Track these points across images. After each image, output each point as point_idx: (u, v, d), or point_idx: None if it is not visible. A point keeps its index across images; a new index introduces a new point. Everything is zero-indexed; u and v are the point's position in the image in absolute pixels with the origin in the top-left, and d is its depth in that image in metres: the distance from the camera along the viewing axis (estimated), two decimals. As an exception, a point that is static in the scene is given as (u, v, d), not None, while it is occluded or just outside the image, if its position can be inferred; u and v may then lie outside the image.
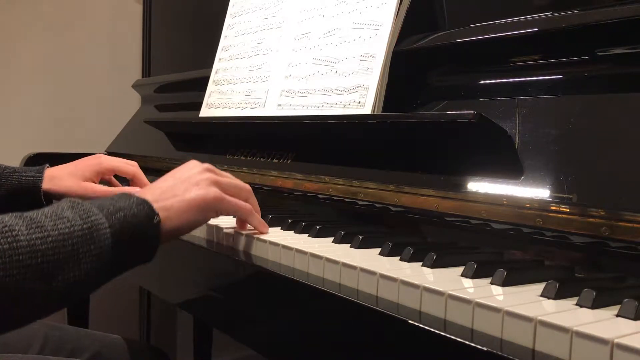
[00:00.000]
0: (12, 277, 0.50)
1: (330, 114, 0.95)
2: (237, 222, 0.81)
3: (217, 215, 0.73)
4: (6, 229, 0.52)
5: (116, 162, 1.10)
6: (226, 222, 0.87)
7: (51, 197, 1.04)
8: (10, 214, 0.55)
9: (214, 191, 0.70)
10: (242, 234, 0.78)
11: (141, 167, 1.15)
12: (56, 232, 0.54)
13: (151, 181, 1.17)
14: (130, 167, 1.10)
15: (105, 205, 0.60)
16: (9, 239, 0.51)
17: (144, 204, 0.63)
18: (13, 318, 0.54)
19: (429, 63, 0.90)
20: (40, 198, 1.01)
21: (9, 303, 0.51)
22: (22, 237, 0.52)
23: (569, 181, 0.63)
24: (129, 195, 0.63)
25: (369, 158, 0.89)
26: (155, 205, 0.64)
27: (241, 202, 0.75)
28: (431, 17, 0.94)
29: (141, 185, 1.11)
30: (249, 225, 0.80)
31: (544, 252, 0.66)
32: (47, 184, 1.01)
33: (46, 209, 0.57)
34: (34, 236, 0.53)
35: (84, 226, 0.56)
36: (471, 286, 0.54)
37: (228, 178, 0.75)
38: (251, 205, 0.77)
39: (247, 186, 0.78)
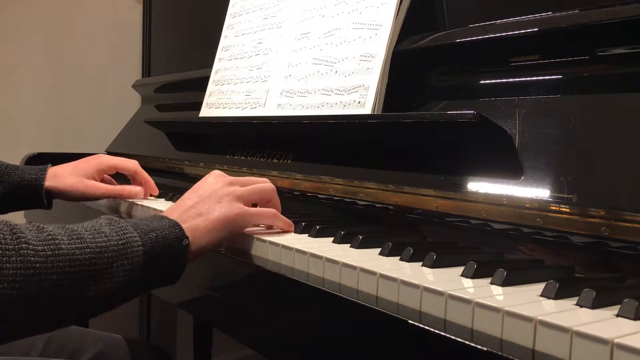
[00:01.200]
0: (51, 282, 0.54)
1: (330, 114, 0.95)
2: (266, 226, 0.81)
3: (242, 229, 0.75)
4: (50, 237, 0.55)
5: (116, 159, 1.11)
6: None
7: (53, 195, 1.05)
8: (53, 225, 0.58)
9: (237, 208, 0.72)
10: (242, 234, 0.78)
11: (141, 167, 1.15)
12: (94, 244, 0.58)
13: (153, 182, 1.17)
14: (130, 163, 1.11)
15: (140, 225, 0.63)
16: (52, 246, 0.55)
17: (176, 226, 0.66)
18: (44, 321, 0.57)
19: (429, 63, 0.90)
20: (41, 195, 1.02)
21: (41, 307, 0.54)
22: (63, 246, 0.56)
23: (569, 181, 0.63)
24: (161, 217, 0.67)
25: (369, 158, 0.89)
26: (184, 227, 0.66)
27: (263, 210, 0.76)
28: (431, 17, 0.94)
29: (142, 181, 1.12)
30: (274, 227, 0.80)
31: (544, 252, 0.66)
32: (49, 182, 1.02)
33: (85, 223, 0.61)
34: (74, 246, 0.56)
35: (119, 242, 0.60)
36: (471, 286, 0.54)
37: (249, 186, 0.76)
38: (274, 204, 0.79)
39: (270, 186, 0.78)
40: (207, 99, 1.30)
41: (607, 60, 0.69)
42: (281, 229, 0.79)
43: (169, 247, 0.64)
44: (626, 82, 0.67)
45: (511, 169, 0.69)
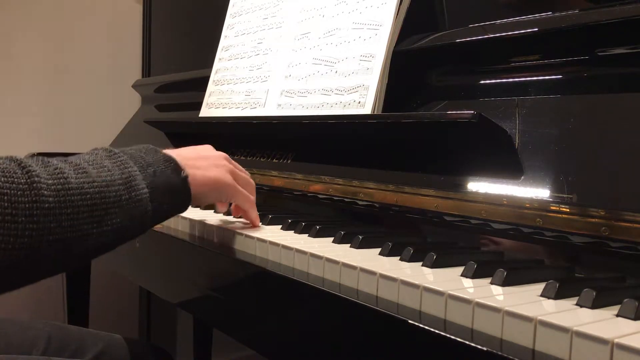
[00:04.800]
0: (67, 216, 0.54)
1: (330, 114, 0.95)
2: (236, 208, 0.86)
3: (226, 201, 0.81)
4: (57, 170, 0.55)
5: None
6: (226, 222, 0.87)
7: None
8: (54, 158, 0.58)
9: (230, 178, 0.77)
10: (242, 234, 0.79)
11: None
12: (100, 179, 0.58)
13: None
14: None
15: (137, 159, 0.65)
16: (61, 180, 0.55)
17: (171, 160, 0.68)
18: (67, 258, 0.57)
19: (429, 63, 0.90)
20: None
21: (64, 242, 0.54)
22: (72, 180, 0.56)
23: (569, 181, 0.63)
24: (155, 150, 0.68)
25: (369, 158, 0.89)
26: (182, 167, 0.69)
27: (248, 194, 0.82)
28: (431, 17, 0.94)
29: None
30: (243, 219, 0.85)
31: (544, 252, 0.66)
32: None
33: (85, 156, 0.62)
34: (81, 180, 0.56)
35: (123, 176, 0.61)
36: (471, 286, 0.54)
37: (240, 170, 0.82)
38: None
39: (253, 182, 0.84)
40: (207, 99, 1.30)
41: (607, 60, 0.69)
42: (251, 220, 0.83)
43: (169, 179, 0.66)
44: (626, 82, 0.67)
45: (511, 169, 0.69)
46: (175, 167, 0.68)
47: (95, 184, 0.57)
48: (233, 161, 0.82)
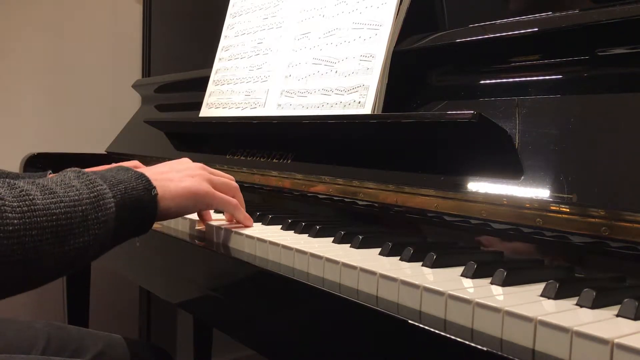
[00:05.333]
0: (31, 237, 0.54)
1: (330, 114, 0.95)
2: (226, 215, 0.87)
3: (207, 208, 0.82)
4: (23, 193, 0.55)
5: None
6: (226, 222, 0.87)
7: None
8: (20, 180, 0.58)
9: (206, 186, 0.77)
10: (242, 234, 0.79)
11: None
12: (67, 198, 0.58)
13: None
14: None
15: (107, 177, 0.65)
16: (27, 202, 0.55)
17: (142, 177, 0.68)
18: (28, 279, 0.57)
19: (429, 63, 0.90)
20: None
21: (26, 263, 0.54)
22: (38, 201, 0.56)
23: (569, 181, 0.63)
24: (127, 169, 0.68)
25: (369, 158, 0.89)
26: (153, 183, 0.68)
27: (228, 198, 0.81)
28: (431, 17, 0.94)
29: None
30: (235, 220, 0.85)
31: (544, 252, 0.66)
32: None
33: (54, 177, 0.61)
34: (48, 200, 0.56)
35: (91, 195, 0.61)
36: (471, 286, 0.54)
37: (218, 176, 0.81)
38: (238, 201, 0.83)
39: (235, 184, 0.84)
40: (207, 99, 1.30)
41: (607, 60, 0.69)
42: (240, 222, 0.83)
43: (138, 197, 0.66)
44: (626, 82, 0.67)
45: (511, 169, 0.69)
46: (146, 184, 0.67)
47: (63, 204, 0.57)
48: (211, 169, 0.82)
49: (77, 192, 0.59)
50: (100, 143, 1.82)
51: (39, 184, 0.58)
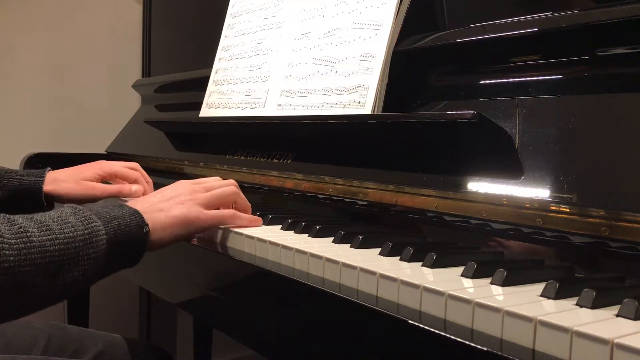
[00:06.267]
0: (24, 273, 0.56)
1: (330, 114, 0.95)
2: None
3: (202, 231, 0.81)
4: (21, 229, 0.58)
5: (117, 167, 1.11)
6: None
7: (52, 199, 1.04)
8: (19, 215, 0.61)
9: (195, 211, 0.77)
10: (242, 235, 0.78)
11: (142, 168, 1.15)
12: (62, 235, 0.60)
13: (153, 182, 1.18)
14: (131, 172, 1.11)
15: (102, 214, 0.67)
16: (24, 239, 0.57)
17: (136, 214, 0.70)
18: (18, 308, 0.60)
19: (429, 63, 0.90)
20: (41, 200, 1.02)
21: (17, 295, 0.57)
22: (34, 238, 0.58)
23: (569, 181, 0.63)
24: (121, 206, 0.70)
25: (369, 158, 0.89)
26: (145, 217, 0.70)
27: (221, 212, 0.80)
28: (431, 17, 0.94)
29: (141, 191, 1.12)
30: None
31: (544, 252, 0.66)
32: (48, 186, 1.02)
33: (52, 213, 0.64)
34: (44, 238, 0.59)
35: (85, 232, 0.63)
36: (471, 286, 0.54)
37: (210, 191, 0.81)
38: (240, 205, 0.84)
39: (231, 189, 0.83)
40: (207, 99, 1.30)
41: (607, 60, 0.69)
42: (246, 226, 0.83)
43: (130, 234, 0.68)
44: (626, 82, 0.67)
45: (511, 169, 0.69)
46: (139, 220, 0.69)
47: (58, 241, 0.59)
48: (204, 183, 0.82)
49: (72, 228, 0.62)
50: (100, 143, 1.82)
51: (36, 220, 0.61)
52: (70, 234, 0.61)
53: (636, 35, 0.65)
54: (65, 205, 0.67)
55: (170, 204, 0.75)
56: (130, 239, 0.68)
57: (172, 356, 1.11)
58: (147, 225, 0.70)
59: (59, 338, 0.97)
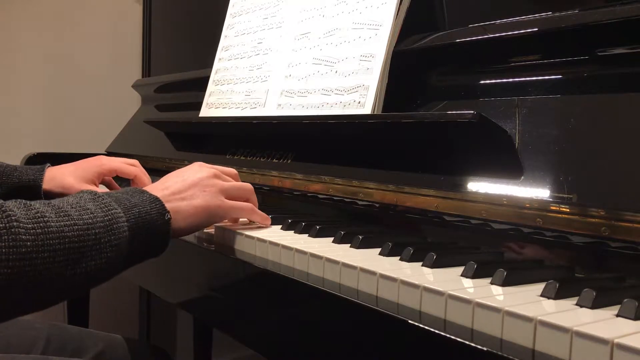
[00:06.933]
0: (42, 260, 0.54)
1: (330, 114, 0.95)
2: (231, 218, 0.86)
3: (221, 220, 0.80)
4: (38, 214, 0.55)
5: (117, 163, 1.10)
6: (227, 222, 0.87)
7: (51, 197, 1.04)
8: (37, 201, 0.58)
9: (218, 200, 0.75)
10: (242, 234, 0.78)
11: (142, 167, 1.15)
12: (81, 221, 0.58)
13: (153, 181, 1.17)
14: (131, 168, 1.10)
15: (121, 200, 0.64)
16: (41, 224, 0.55)
17: (157, 201, 0.67)
18: (36, 299, 0.57)
19: (429, 63, 0.90)
20: (40, 196, 1.02)
21: (35, 284, 0.54)
22: (52, 223, 0.55)
23: (569, 181, 0.63)
24: (141, 192, 0.68)
25: (369, 158, 0.89)
26: (167, 206, 0.68)
27: (241, 205, 0.79)
28: (431, 17, 0.94)
29: (142, 186, 1.11)
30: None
31: (544, 252, 0.66)
32: (47, 184, 1.02)
33: (69, 199, 0.61)
34: (62, 223, 0.56)
35: (105, 218, 0.60)
36: (471, 286, 0.54)
37: (232, 182, 0.80)
38: (252, 202, 0.82)
39: (248, 186, 0.82)
40: (207, 99, 1.30)
41: (607, 60, 0.69)
42: (258, 222, 0.83)
43: (151, 222, 0.65)
44: (626, 82, 0.67)
45: (511, 169, 0.69)
46: (160, 208, 0.67)
47: (76, 227, 0.57)
48: (223, 174, 0.80)
49: (91, 215, 0.59)
50: (100, 143, 1.82)
51: (54, 205, 0.58)
52: (89, 220, 0.58)
53: (636, 35, 0.65)
54: (83, 190, 0.65)
55: (192, 192, 0.73)
56: (152, 228, 0.65)
57: (172, 356, 1.11)
58: (169, 212, 0.67)
59: (59, 338, 0.97)
